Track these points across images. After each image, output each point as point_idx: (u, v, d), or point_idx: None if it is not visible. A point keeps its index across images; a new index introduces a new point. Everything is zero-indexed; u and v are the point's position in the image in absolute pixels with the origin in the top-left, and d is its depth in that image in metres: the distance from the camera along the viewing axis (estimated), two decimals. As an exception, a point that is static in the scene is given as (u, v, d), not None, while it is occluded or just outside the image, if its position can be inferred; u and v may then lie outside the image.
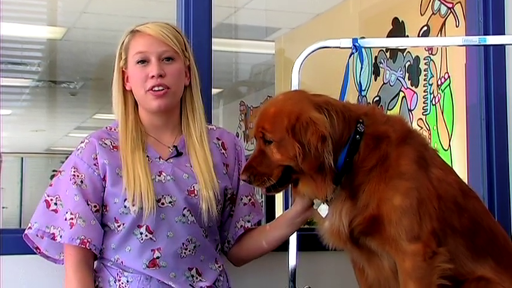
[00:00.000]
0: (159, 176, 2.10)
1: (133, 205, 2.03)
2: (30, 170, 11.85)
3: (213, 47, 2.57)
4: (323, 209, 2.02)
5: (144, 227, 2.06)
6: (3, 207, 9.88)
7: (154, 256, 2.06)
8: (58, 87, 8.15)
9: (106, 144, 2.13)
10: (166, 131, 2.18)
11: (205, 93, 2.52)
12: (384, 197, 1.89)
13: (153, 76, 2.09)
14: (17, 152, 11.26)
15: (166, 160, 2.14)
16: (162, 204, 2.07)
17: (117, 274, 2.08)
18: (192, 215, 2.10)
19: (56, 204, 2.10)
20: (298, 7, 5.60)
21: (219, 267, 2.17)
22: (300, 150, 1.86)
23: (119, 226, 2.07)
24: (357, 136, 1.92)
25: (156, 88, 2.09)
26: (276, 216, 2.22)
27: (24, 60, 7.26)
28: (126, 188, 2.05)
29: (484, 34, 2.78)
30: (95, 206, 2.07)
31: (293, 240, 2.26)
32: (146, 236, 2.06)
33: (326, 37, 2.33)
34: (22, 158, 11.98)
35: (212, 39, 2.56)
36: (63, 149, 10.82)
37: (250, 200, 2.24)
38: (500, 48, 2.77)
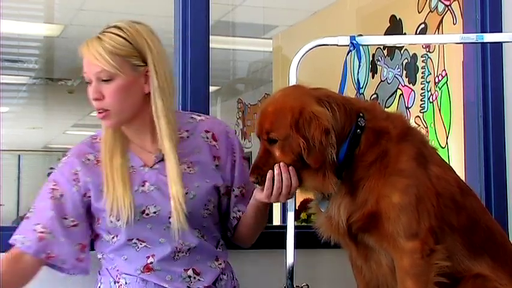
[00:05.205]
0: (143, 186, 2.06)
1: (117, 220, 2.01)
2: (27, 168, 11.85)
3: (211, 45, 2.56)
4: (323, 204, 2.01)
5: (135, 238, 2.04)
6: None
7: (148, 262, 2.05)
8: (55, 85, 8.15)
9: (89, 159, 2.08)
10: (146, 136, 2.10)
11: (203, 91, 2.52)
12: (383, 194, 1.89)
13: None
14: (14, 150, 11.25)
15: (151, 167, 2.09)
16: (147, 214, 2.03)
17: (116, 276, 2.08)
18: None
19: (30, 211, 2.07)
20: (296, 4, 5.60)
21: (220, 264, 2.14)
22: (305, 145, 1.86)
23: (113, 238, 2.06)
24: (358, 130, 1.92)
25: (97, 111, 2.04)
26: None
27: (21, 57, 7.25)
28: (106, 203, 2.01)
29: (482, 31, 2.77)
30: (72, 221, 2.04)
31: (290, 237, 2.25)
32: (141, 244, 2.05)
33: (323, 34, 2.32)
34: (19, 156, 11.99)
35: (210, 36, 2.56)
36: (60, 146, 10.82)
37: (241, 191, 2.20)
38: (498, 46, 2.77)
